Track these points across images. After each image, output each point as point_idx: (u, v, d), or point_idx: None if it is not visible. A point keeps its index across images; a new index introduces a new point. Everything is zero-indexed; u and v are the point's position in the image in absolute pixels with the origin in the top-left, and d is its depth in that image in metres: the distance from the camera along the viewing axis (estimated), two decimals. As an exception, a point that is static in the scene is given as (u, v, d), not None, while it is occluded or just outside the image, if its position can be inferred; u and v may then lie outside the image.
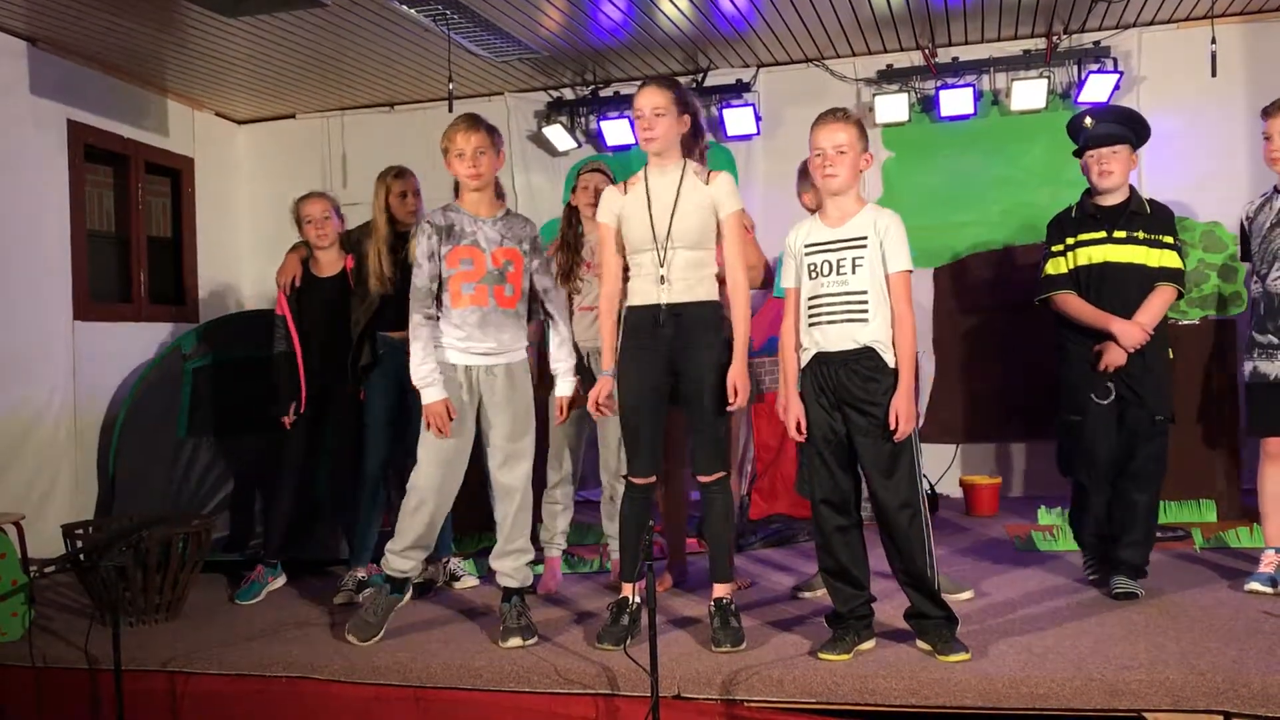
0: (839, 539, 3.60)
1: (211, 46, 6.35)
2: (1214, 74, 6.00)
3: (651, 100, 3.70)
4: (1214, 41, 5.97)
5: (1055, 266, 4.29)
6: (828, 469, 3.59)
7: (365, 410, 4.75)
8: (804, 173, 4.27)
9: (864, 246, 3.52)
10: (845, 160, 3.53)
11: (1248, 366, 4.25)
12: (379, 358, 4.72)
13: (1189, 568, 4.59)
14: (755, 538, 5.62)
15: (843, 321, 3.51)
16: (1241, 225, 4.39)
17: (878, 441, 3.50)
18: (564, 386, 4.13)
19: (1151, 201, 4.28)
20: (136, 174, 6.92)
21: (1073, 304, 4.22)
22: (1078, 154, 4.32)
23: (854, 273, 3.52)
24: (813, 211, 3.94)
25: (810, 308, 3.59)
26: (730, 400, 3.68)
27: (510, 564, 4.02)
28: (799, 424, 3.62)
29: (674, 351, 3.73)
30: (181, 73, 6.85)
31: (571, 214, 4.76)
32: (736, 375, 3.68)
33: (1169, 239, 4.19)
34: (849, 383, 3.51)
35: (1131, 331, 4.10)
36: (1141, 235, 4.17)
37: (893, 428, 3.47)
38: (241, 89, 7.31)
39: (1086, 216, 4.26)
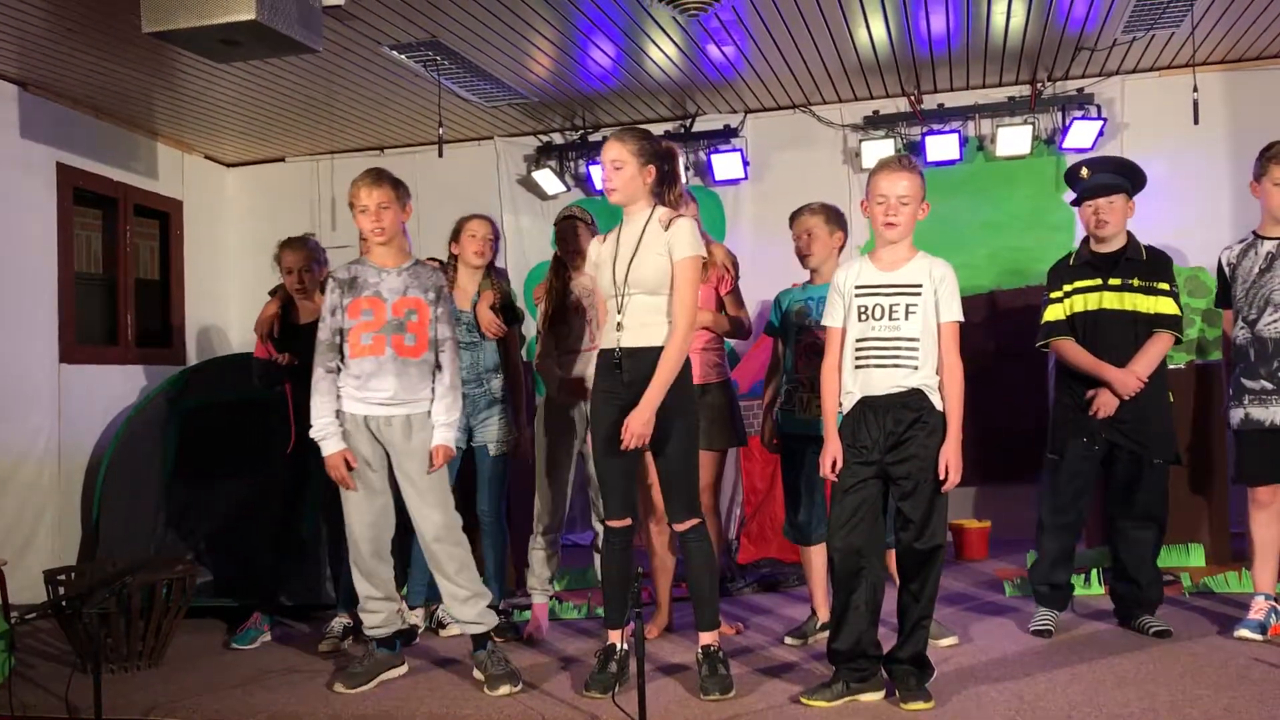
0: (854, 582, 3.52)
1: (202, 91, 6.38)
2: (1196, 121, 6.06)
3: (609, 153, 3.75)
4: (1196, 89, 6.05)
5: (1053, 313, 4.36)
6: (851, 514, 3.53)
7: None
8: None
9: (918, 294, 3.53)
10: (907, 210, 3.54)
11: (1237, 414, 4.21)
12: None
13: (1179, 613, 4.57)
14: (744, 582, 5.59)
15: (891, 366, 3.51)
16: (1221, 270, 4.35)
17: (920, 487, 3.48)
18: (438, 436, 3.99)
19: (1149, 248, 4.35)
20: (125, 216, 6.93)
21: (1070, 350, 4.30)
22: (1075, 203, 4.38)
23: (906, 319, 3.51)
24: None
25: (858, 350, 3.57)
26: (624, 445, 3.61)
27: (470, 611, 3.98)
28: (835, 463, 3.57)
29: (631, 396, 3.71)
30: (171, 116, 6.88)
31: (558, 260, 4.76)
32: (632, 418, 3.60)
33: (1164, 285, 4.25)
34: (895, 428, 3.49)
35: (1127, 380, 4.17)
36: (1136, 283, 4.24)
37: (942, 478, 3.47)
38: (232, 132, 7.34)
39: (1083, 264, 4.34)
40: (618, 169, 3.73)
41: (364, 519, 3.99)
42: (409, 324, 3.97)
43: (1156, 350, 4.21)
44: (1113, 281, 4.26)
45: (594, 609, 5.01)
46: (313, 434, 3.97)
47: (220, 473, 5.54)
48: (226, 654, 4.67)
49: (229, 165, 8.11)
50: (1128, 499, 4.31)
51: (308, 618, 5.18)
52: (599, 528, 4.65)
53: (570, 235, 4.66)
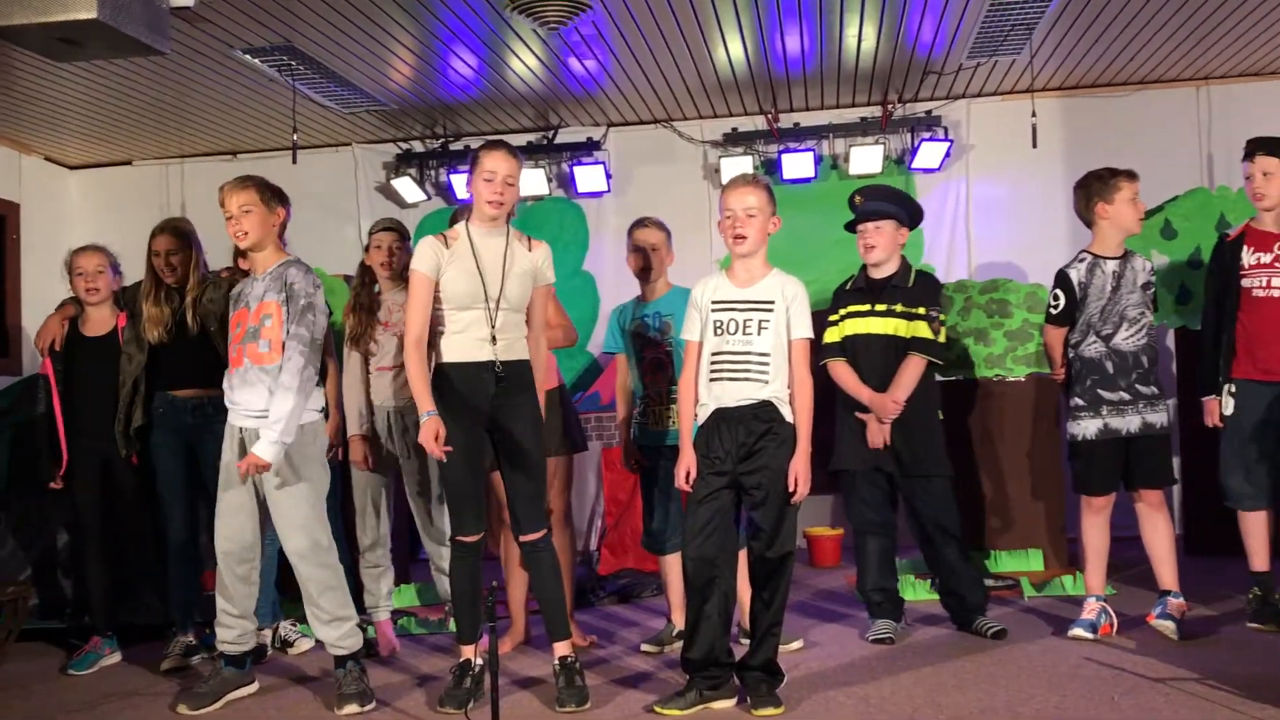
0: (707, 591, 3.58)
1: (42, 90, 6.12)
2: (1035, 144, 6.36)
3: (508, 167, 3.75)
4: (1034, 114, 6.35)
5: (829, 336, 4.55)
6: (705, 524, 3.58)
7: (156, 474, 4.55)
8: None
9: (771, 310, 3.62)
10: (755, 223, 3.62)
11: (1093, 424, 4.32)
12: (160, 416, 4.51)
13: (1019, 616, 4.77)
14: (603, 593, 5.61)
15: (743, 380, 3.59)
16: (1072, 287, 4.37)
17: (771, 497, 3.55)
18: (259, 447, 3.70)
19: (919, 275, 4.54)
20: (-44, 219, 6.59)
21: (838, 371, 4.49)
22: (849, 228, 4.57)
23: (759, 334, 3.60)
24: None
25: (713, 363, 3.65)
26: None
27: (333, 633, 3.86)
28: (689, 474, 3.64)
29: (496, 409, 3.72)
30: (7, 115, 6.57)
31: (365, 273, 4.67)
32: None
33: (922, 310, 4.41)
34: (747, 439, 3.56)
35: (884, 404, 4.36)
36: (899, 308, 4.42)
37: (791, 489, 3.55)
38: (74, 134, 7.05)
39: (856, 289, 4.55)
40: (510, 184, 3.77)
41: (221, 531, 3.86)
42: (263, 330, 3.83)
43: (910, 373, 4.36)
44: (879, 307, 4.44)
45: (449, 623, 4.96)
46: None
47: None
48: (64, 679, 4.46)
49: (72, 168, 7.79)
50: (916, 519, 4.50)
51: (153, 639, 4.98)
52: (431, 548, 4.63)
53: (396, 248, 4.60)
